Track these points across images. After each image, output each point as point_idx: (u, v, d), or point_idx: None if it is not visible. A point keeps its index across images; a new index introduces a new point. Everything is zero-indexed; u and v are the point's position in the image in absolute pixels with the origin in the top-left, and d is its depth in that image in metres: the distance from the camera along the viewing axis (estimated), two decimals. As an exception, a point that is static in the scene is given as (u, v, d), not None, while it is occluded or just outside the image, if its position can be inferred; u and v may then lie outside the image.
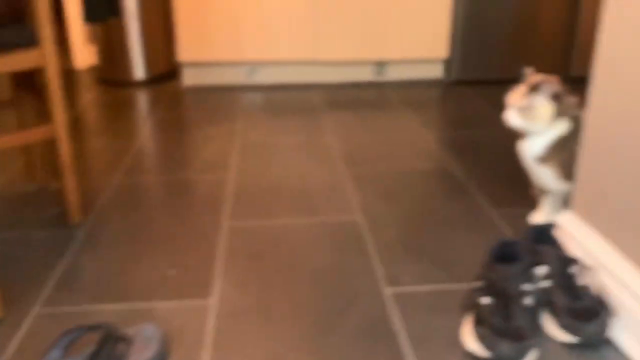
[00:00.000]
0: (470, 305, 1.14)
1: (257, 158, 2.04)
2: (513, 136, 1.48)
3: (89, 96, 2.85)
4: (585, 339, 1.08)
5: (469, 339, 1.08)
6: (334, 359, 1.05)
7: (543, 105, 1.34)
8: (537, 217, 1.50)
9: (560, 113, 1.35)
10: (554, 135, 1.38)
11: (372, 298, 1.23)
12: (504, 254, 1.22)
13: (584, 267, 1.16)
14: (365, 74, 3.13)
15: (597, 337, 1.08)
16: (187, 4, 2.89)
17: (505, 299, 1.10)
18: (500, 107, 2.58)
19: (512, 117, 1.36)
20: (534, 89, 1.33)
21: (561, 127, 1.37)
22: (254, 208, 1.65)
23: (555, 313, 1.11)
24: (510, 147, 2.00)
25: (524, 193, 1.69)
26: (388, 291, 1.25)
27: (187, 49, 2.97)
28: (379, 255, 1.39)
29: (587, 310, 1.10)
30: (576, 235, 1.26)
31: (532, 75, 1.38)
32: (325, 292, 1.26)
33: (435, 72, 3.11)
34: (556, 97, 1.34)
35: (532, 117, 1.35)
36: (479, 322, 1.08)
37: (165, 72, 3.29)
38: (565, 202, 1.45)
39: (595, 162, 1.20)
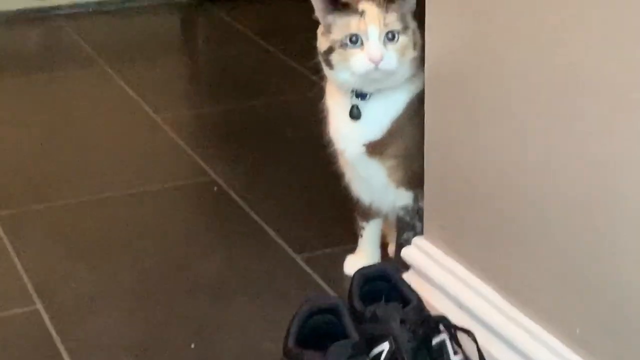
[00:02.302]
0: None
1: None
2: (311, 102, 0.91)
3: None
4: None
5: None
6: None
7: (417, 30, 0.84)
8: (355, 262, 0.96)
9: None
10: (404, 99, 0.85)
11: None
12: (317, 329, 0.69)
13: (457, 331, 0.71)
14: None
15: None
16: None
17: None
18: (285, 45, 1.62)
19: (387, 55, 0.81)
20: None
21: (414, 84, 0.86)
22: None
23: None
24: (313, 125, 0.98)
25: (340, 227, 1.11)
26: None
27: None
28: None
29: None
30: (437, 277, 0.76)
31: None
32: None
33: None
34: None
35: (407, 51, 0.83)
36: None
37: None
38: (412, 229, 0.90)
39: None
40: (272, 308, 0.90)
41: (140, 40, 1.78)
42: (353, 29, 0.81)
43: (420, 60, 0.84)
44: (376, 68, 0.79)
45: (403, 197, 0.88)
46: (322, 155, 0.93)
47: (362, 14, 0.81)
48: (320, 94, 0.91)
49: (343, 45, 0.81)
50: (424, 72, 0.83)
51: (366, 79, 0.81)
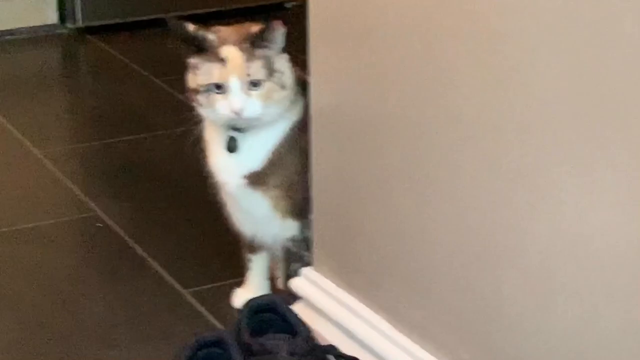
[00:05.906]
0: None
1: None
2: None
3: None
4: None
5: None
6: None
7: (287, 68, 0.79)
8: (244, 295, 0.93)
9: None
10: (283, 129, 0.82)
11: None
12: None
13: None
14: None
15: None
16: None
17: None
18: (169, 77, 1.52)
19: (250, 103, 0.77)
20: (259, 40, 0.77)
21: (292, 114, 0.83)
22: None
23: None
24: (198, 158, 0.93)
25: (228, 260, 1.08)
26: None
27: None
28: None
29: None
30: (327, 308, 0.75)
31: (222, 33, 0.83)
32: None
33: (41, 17, 1.80)
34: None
35: (274, 94, 0.78)
36: None
37: None
38: (300, 260, 0.89)
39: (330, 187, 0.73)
40: (162, 346, 0.84)
41: (21, 74, 1.67)
42: (215, 78, 0.77)
43: (299, 91, 0.81)
44: (240, 117, 0.77)
45: (289, 228, 0.86)
46: (208, 188, 0.89)
47: (224, 61, 0.76)
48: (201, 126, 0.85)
49: (208, 91, 0.78)
50: (300, 100, 0.81)
51: (233, 122, 0.79)
